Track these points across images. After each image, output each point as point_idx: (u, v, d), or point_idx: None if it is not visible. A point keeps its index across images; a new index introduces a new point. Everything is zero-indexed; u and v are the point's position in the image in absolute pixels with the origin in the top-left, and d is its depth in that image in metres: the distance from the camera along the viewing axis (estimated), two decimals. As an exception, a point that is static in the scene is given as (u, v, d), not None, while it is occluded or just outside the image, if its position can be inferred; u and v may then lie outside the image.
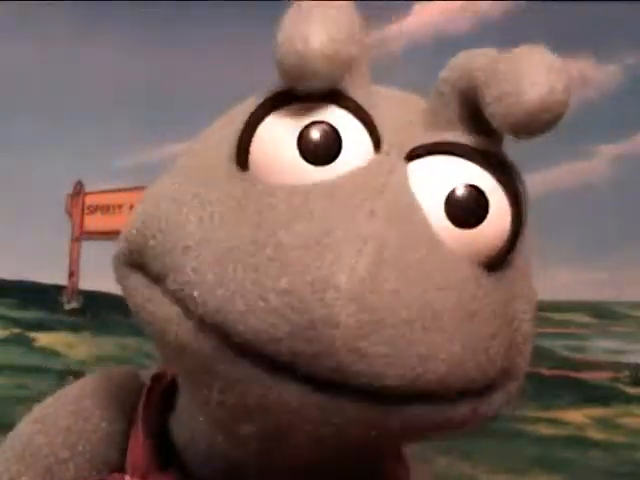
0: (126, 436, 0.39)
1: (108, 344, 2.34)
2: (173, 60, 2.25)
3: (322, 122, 0.30)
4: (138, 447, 0.37)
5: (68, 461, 0.39)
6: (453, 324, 0.29)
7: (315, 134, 0.30)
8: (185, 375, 0.32)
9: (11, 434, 0.41)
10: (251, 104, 0.32)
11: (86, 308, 2.42)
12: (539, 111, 0.28)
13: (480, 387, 0.30)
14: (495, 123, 0.29)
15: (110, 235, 2.44)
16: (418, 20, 2.28)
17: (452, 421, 0.30)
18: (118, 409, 0.40)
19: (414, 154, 0.31)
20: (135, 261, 0.32)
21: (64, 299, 2.44)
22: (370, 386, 0.28)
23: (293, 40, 0.29)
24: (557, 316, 2.33)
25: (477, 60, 0.31)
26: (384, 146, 0.31)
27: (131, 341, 2.25)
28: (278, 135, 0.30)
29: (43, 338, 2.39)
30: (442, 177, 0.30)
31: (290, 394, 0.28)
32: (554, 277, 1.98)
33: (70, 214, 2.44)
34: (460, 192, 0.30)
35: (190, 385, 0.32)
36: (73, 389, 0.42)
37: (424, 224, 0.29)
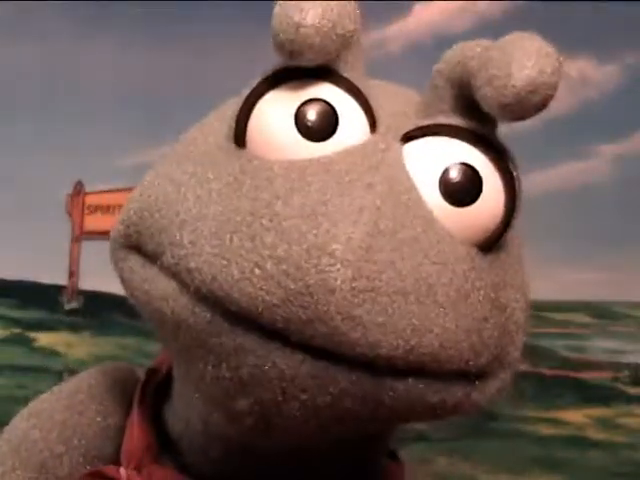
0: (121, 430, 0.39)
1: (108, 344, 2.34)
2: (173, 60, 2.25)
3: (319, 99, 0.31)
4: (133, 439, 0.37)
5: (63, 455, 0.39)
6: (447, 300, 0.29)
7: (312, 111, 0.31)
8: (181, 353, 0.32)
9: (7, 428, 0.41)
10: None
11: (86, 308, 2.42)
12: (528, 92, 0.28)
13: (474, 371, 0.30)
14: (485, 106, 0.30)
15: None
16: (418, 20, 2.28)
17: (445, 404, 0.30)
18: (113, 403, 0.40)
19: (409, 136, 0.32)
20: (132, 243, 0.33)
21: (64, 299, 2.43)
22: (364, 355, 0.28)
23: (289, 13, 0.29)
24: (557, 316, 2.33)
25: (471, 50, 0.31)
26: (380, 128, 0.32)
27: (131, 341, 2.25)
28: (276, 111, 0.31)
29: (43, 338, 2.39)
30: (436, 157, 0.31)
31: (284, 363, 0.28)
32: (554, 277, 1.98)
33: (70, 214, 2.44)
34: (454, 170, 0.30)
35: (186, 363, 0.32)
36: (68, 384, 0.42)
37: (419, 201, 0.30)
